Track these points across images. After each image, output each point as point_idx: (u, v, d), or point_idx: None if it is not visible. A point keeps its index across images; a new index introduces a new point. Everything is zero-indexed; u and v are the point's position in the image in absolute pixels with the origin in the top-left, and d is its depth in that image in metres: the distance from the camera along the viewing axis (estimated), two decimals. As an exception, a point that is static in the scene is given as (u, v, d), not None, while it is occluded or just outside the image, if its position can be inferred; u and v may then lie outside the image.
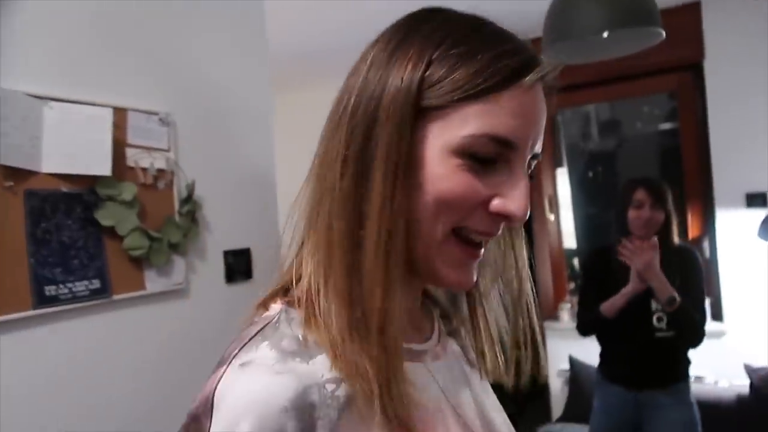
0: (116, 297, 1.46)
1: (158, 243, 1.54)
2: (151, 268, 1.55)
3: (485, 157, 0.49)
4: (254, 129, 1.96)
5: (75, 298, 1.37)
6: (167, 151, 1.62)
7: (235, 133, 1.88)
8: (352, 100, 0.52)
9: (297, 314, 0.52)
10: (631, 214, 2.08)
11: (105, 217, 1.43)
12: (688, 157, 3.08)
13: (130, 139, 1.52)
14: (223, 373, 0.47)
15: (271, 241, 1.97)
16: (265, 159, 2.00)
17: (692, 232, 3.05)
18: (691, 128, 3.07)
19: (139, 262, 1.52)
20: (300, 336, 0.50)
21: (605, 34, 1.39)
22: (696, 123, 3.03)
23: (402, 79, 0.49)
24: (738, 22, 2.83)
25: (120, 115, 1.49)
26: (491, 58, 0.49)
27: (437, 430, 0.52)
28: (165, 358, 1.59)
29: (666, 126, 3.37)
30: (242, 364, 0.46)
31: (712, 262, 2.97)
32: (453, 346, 0.64)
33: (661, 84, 3.18)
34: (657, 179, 2.19)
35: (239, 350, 0.48)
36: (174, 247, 1.60)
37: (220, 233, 1.78)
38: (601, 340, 2.21)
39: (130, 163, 1.51)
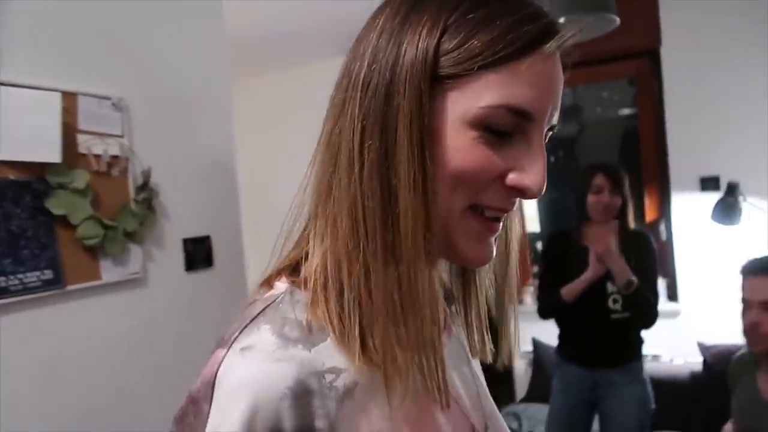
0: (70, 287, 1.43)
1: (113, 231, 1.51)
2: (107, 257, 1.51)
3: (502, 130, 0.47)
4: (213, 114, 1.93)
5: (26, 289, 1.34)
6: (121, 137, 1.58)
7: (193, 118, 1.84)
8: (364, 69, 0.49)
9: (302, 296, 0.50)
10: (591, 199, 2.12)
11: (56, 205, 1.39)
12: (645, 142, 3.15)
13: (82, 124, 1.47)
14: (224, 356, 0.46)
15: (232, 228, 1.95)
16: (224, 144, 1.96)
17: (649, 214, 3.12)
18: (648, 113, 3.13)
19: (94, 252, 1.48)
20: (304, 321, 0.48)
21: (561, 20, 1.40)
22: (653, 108, 3.10)
23: (417, 46, 0.47)
24: (694, 10, 2.89)
25: (70, 99, 1.44)
26: (510, 24, 0.47)
27: (436, 418, 0.52)
28: (122, 349, 1.56)
29: (625, 111, 3.44)
30: (243, 349, 0.45)
31: (668, 244, 3.06)
32: (456, 328, 0.63)
33: (621, 70, 3.23)
34: (615, 165, 2.24)
35: (240, 333, 0.47)
36: (130, 236, 1.57)
37: (179, 221, 1.75)
38: (559, 322, 2.26)
39: (82, 149, 1.47)
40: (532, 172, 0.49)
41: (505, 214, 0.53)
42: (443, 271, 0.63)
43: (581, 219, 2.17)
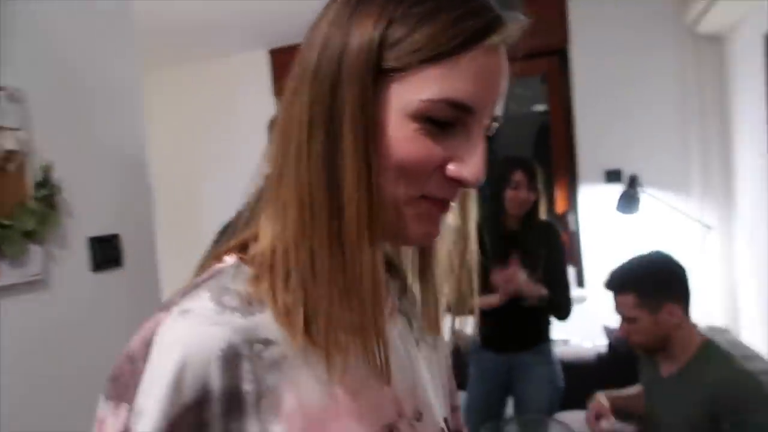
0: (-39, 292, 1.32)
1: (10, 231, 1.41)
2: (4, 258, 1.42)
3: (443, 121, 0.49)
4: (121, 106, 1.84)
5: None
6: (18, 130, 1.47)
7: (99, 111, 1.75)
8: (314, 58, 0.49)
9: (248, 271, 0.52)
10: (509, 194, 2.21)
11: (-58, 204, 1.28)
12: (556, 137, 3.30)
13: (-29, 117, 1.37)
14: (163, 318, 0.48)
15: (143, 226, 1.88)
16: (134, 138, 1.88)
17: (559, 206, 3.28)
18: (559, 110, 3.28)
19: (-12, 253, 1.38)
20: (244, 293, 0.50)
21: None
22: (563, 105, 3.25)
23: (362, 38, 0.48)
24: (600, 11, 3.05)
25: (-43, 90, 1.33)
26: (453, 19, 0.47)
27: (366, 398, 0.53)
28: (23, 354, 1.47)
29: (540, 108, 3.58)
30: (181, 312, 0.48)
31: (576, 233, 3.23)
32: (402, 317, 0.63)
33: (533, 68, 3.35)
34: (532, 161, 2.32)
35: (181, 298, 0.49)
36: (29, 235, 1.47)
37: (84, 219, 1.66)
38: (474, 311, 2.35)
39: (-27, 143, 1.36)
40: (470, 164, 0.50)
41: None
42: (406, 256, 0.64)
43: (498, 212, 2.25)
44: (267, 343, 0.48)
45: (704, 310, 2.95)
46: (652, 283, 1.65)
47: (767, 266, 2.51)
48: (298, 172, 0.49)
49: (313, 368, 0.49)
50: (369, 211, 0.48)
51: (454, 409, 0.73)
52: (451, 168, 0.50)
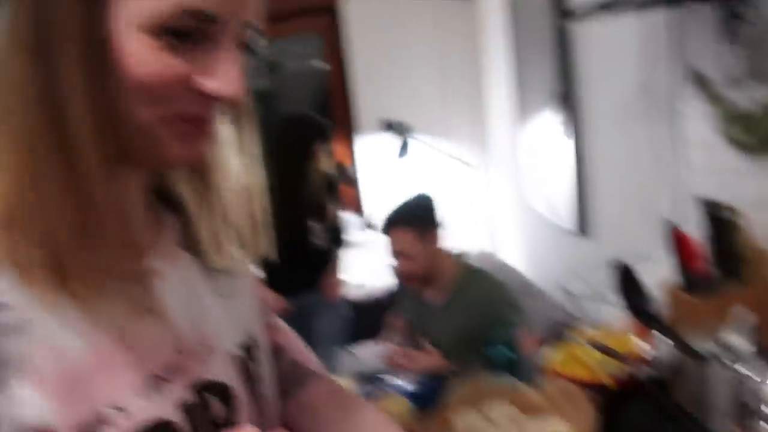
0: None
1: None
2: None
3: (183, 32, 0.43)
4: None
5: None
6: None
7: None
8: None
9: None
10: (310, 164, 2.32)
11: None
12: (335, 91, 3.42)
13: None
14: None
15: None
16: None
17: (340, 157, 3.44)
18: (337, 65, 3.38)
19: None
20: None
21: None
22: (341, 60, 3.36)
23: None
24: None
25: None
26: None
27: (138, 346, 0.50)
28: None
29: (318, 64, 3.64)
30: None
31: (357, 181, 3.43)
32: (185, 255, 0.59)
33: (309, 24, 3.38)
34: (330, 128, 2.46)
35: None
36: None
37: None
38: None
39: None
40: (220, 76, 0.46)
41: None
42: (187, 185, 0.60)
43: (291, 175, 2.31)
44: (3, 308, 0.43)
45: (471, 237, 3.40)
46: (421, 216, 1.87)
47: (515, 195, 2.97)
48: (12, 111, 0.42)
49: (70, 322, 0.46)
50: (104, 140, 0.44)
51: (270, 326, 0.73)
52: (199, 81, 0.46)
